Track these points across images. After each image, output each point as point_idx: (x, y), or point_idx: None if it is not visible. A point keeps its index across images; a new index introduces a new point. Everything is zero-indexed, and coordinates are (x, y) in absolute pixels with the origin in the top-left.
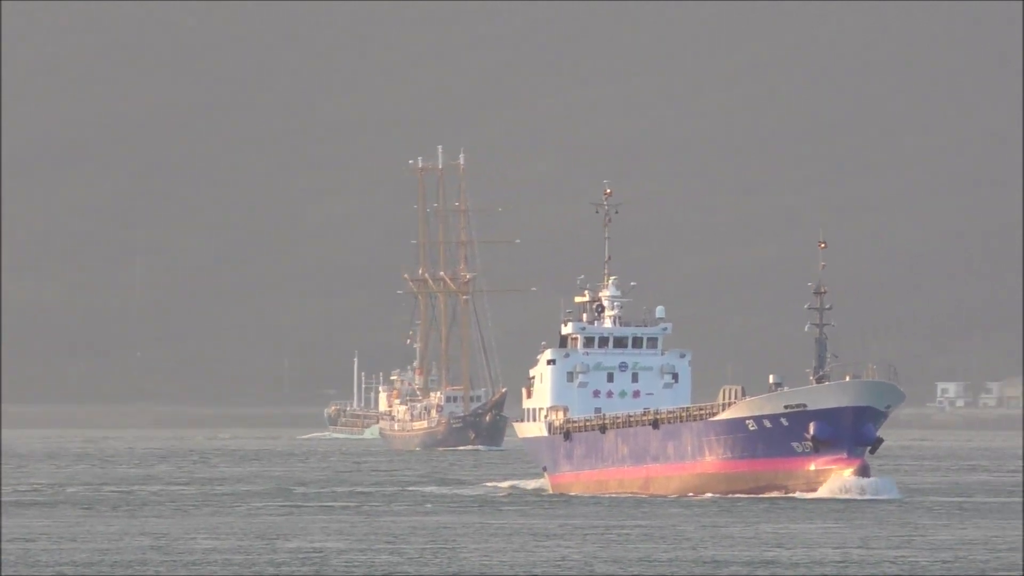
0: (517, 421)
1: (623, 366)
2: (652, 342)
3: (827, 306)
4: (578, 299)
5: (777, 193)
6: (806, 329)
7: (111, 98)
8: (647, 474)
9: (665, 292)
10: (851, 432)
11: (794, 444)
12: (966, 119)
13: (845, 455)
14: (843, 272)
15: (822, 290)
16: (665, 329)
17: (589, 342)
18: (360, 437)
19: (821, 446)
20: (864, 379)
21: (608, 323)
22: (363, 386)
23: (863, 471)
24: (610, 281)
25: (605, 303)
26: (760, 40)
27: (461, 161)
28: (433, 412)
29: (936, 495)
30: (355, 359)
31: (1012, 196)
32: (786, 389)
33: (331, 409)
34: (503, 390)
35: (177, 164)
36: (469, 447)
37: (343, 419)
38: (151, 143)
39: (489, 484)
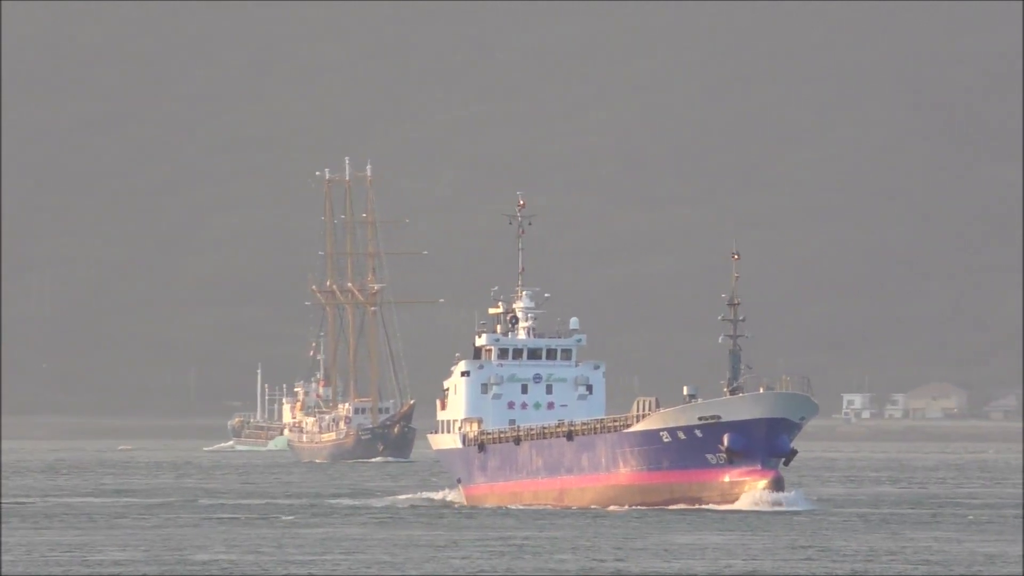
0: (432, 433)
1: (537, 378)
2: (566, 354)
3: (741, 317)
4: (492, 311)
5: (677, 206)
6: (720, 340)
7: (7, 109)
8: (561, 486)
9: (571, 304)
10: (765, 444)
11: (708, 456)
12: (865, 131)
13: (759, 467)
14: (746, 284)
15: (736, 301)
16: (579, 340)
17: (503, 354)
18: (264, 449)
19: (735, 458)
20: (778, 391)
21: (522, 335)
22: (267, 398)
23: (777, 483)
24: (524, 293)
25: (519, 315)
26: (660, 52)
27: (368, 172)
28: (341, 424)
29: (847, 507)
30: (258, 371)
31: (912, 210)
32: (700, 401)
33: (235, 421)
34: (411, 402)
35: (80, 175)
36: (378, 459)
37: (247, 431)
38: (51, 153)
39: (401, 496)
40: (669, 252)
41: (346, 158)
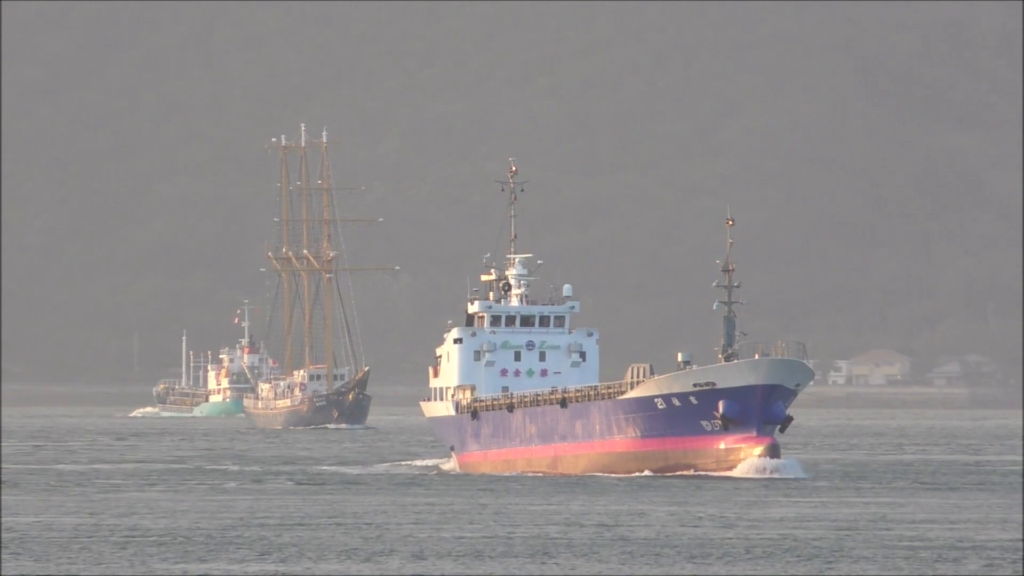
0: (424, 400)
1: (530, 345)
2: (559, 320)
3: (735, 283)
4: (484, 277)
5: (621, 173)
6: (715, 307)
7: None
8: (555, 453)
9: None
10: (760, 410)
11: (703, 422)
12: (810, 98)
13: (755, 433)
14: (691, 251)
15: (730, 267)
16: (573, 307)
17: (496, 321)
18: (189, 415)
19: (730, 424)
20: (773, 357)
21: (515, 302)
22: (192, 364)
23: (773, 450)
24: (516, 259)
25: (512, 281)
26: (604, 19)
27: (324, 139)
28: (296, 390)
29: (835, 474)
30: (183, 338)
31: (855, 177)
32: (695, 367)
33: (159, 387)
34: (366, 368)
35: (22, 141)
36: (332, 425)
37: (172, 397)
38: None
39: (394, 463)
40: (613, 219)
41: (302, 124)
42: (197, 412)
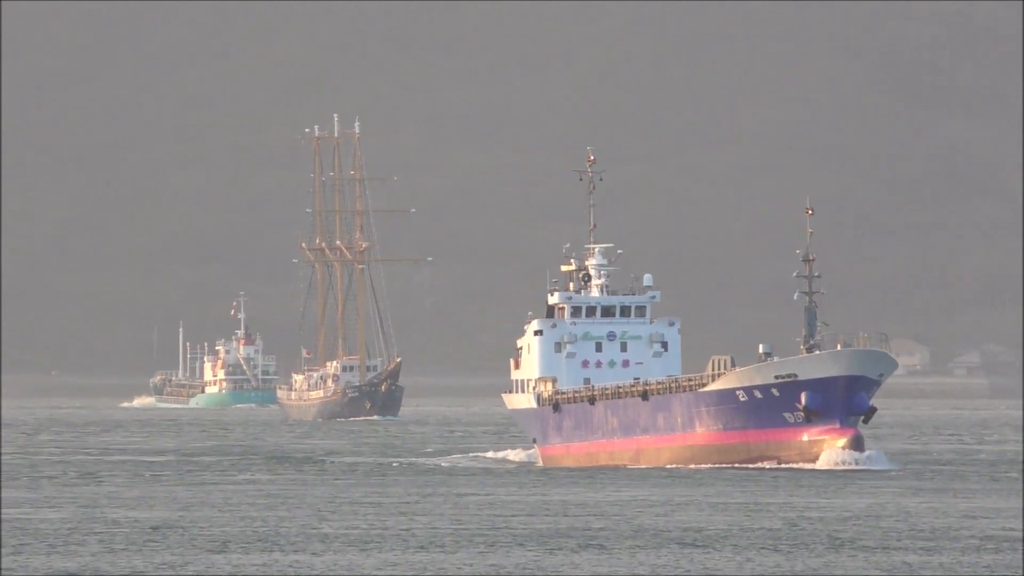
0: (506, 392)
1: (611, 335)
2: (640, 311)
3: (816, 274)
4: (564, 268)
5: (634, 162)
6: (795, 297)
7: None
8: (637, 446)
9: (516, 261)
10: (843, 402)
11: (786, 415)
12: (823, 87)
13: (838, 425)
14: (703, 240)
15: (810, 257)
16: (653, 297)
17: (576, 312)
18: (186, 406)
19: (813, 416)
20: (856, 347)
21: (595, 292)
22: (189, 356)
23: (856, 441)
24: (596, 249)
25: (592, 272)
26: (619, 9)
27: (356, 130)
28: (329, 381)
29: (924, 465)
30: (180, 329)
31: (870, 166)
32: (776, 359)
33: (156, 378)
34: (398, 360)
35: (39, 131)
36: (365, 417)
37: (168, 388)
38: (9, 109)
39: (483, 454)
40: (625, 208)
41: (335, 115)
42: (193, 403)
